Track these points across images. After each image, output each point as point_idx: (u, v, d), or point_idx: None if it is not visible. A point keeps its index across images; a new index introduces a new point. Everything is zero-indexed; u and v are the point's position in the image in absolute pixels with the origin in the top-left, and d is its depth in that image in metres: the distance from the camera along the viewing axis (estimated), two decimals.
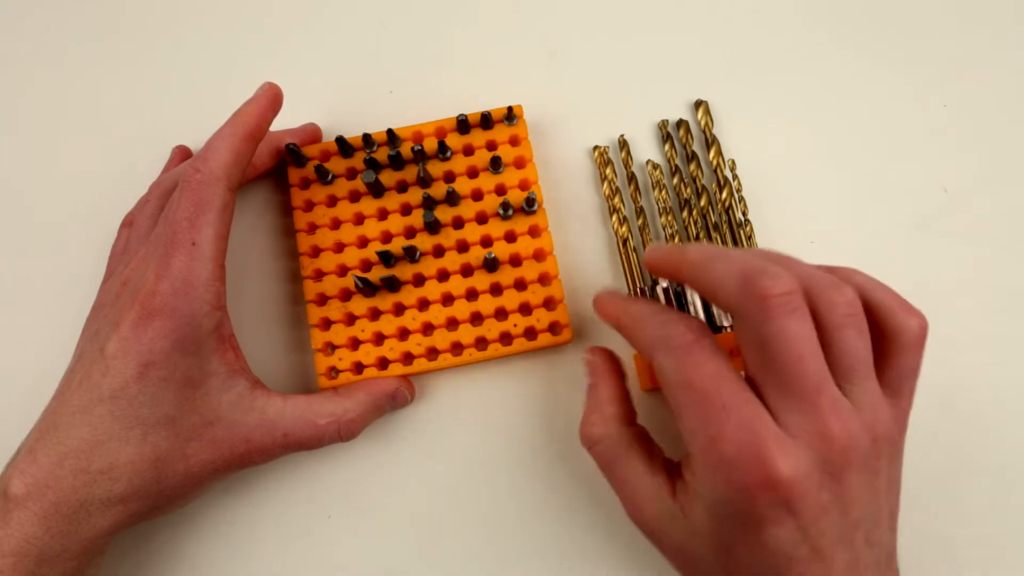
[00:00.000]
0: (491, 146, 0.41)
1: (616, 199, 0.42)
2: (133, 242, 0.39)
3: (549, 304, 0.39)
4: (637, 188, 0.42)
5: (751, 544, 0.27)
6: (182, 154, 0.43)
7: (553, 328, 0.39)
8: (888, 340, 0.29)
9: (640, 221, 0.42)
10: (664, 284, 0.39)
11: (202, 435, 0.34)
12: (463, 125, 0.41)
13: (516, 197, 0.40)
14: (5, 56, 0.47)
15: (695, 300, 0.39)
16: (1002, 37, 0.45)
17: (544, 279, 0.39)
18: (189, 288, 0.32)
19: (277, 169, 0.43)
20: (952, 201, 0.42)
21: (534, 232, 0.40)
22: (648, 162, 0.43)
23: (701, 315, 0.39)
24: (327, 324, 0.39)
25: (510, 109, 0.41)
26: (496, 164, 0.40)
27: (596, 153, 0.43)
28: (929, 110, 0.44)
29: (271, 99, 0.37)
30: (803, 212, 0.42)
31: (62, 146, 0.45)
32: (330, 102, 0.45)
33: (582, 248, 0.42)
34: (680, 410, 0.29)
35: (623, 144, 0.43)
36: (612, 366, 0.35)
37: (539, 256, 0.40)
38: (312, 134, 0.43)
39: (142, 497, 0.33)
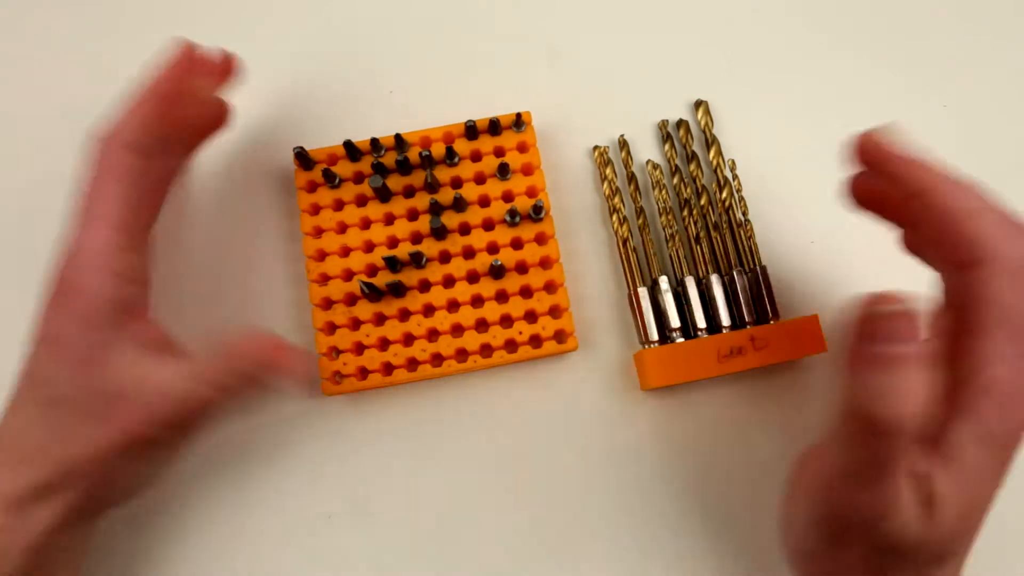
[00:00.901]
0: (499, 152, 0.40)
1: (616, 199, 0.40)
2: None
3: (555, 312, 0.38)
4: (637, 188, 0.41)
5: None
6: None
7: (558, 336, 0.38)
8: None
9: (640, 221, 0.40)
10: (665, 286, 0.38)
11: (104, 414, 0.30)
12: (471, 131, 0.39)
13: (523, 204, 0.39)
14: None
15: (695, 300, 0.38)
16: (1002, 37, 0.44)
17: (550, 287, 0.38)
18: (87, 259, 0.30)
19: (284, 172, 0.41)
20: None
21: (540, 239, 0.39)
22: (648, 162, 0.42)
23: (701, 315, 0.38)
24: (332, 328, 0.38)
25: (518, 115, 0.39)
26: (504, 170, 0.39)
27: (596, 153, 0.42)
28: (929, 110, 0.43)
29: (180, 56, 0.33)
30: (803, 212, 0.41)
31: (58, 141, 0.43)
32: (329, 100, 0.43)
33: (586, 253, 0.41)
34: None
35: (623, 144, 0.42)
36: None
37: (545, 263, 0.38)
38: (229, 68, 0.37)
39: (68, 485, 0.30)
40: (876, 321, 0.24)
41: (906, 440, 0.24)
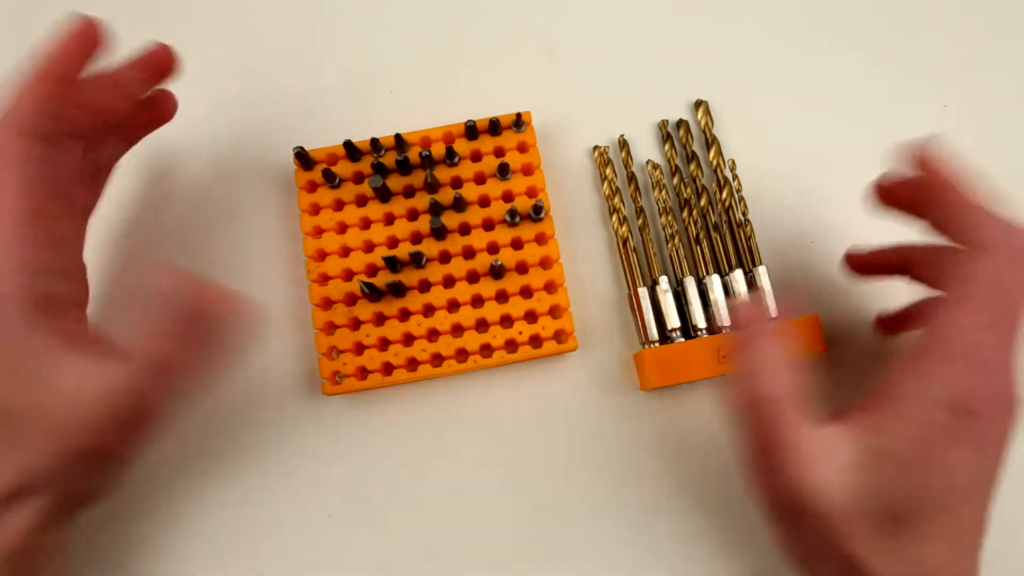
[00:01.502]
0: (499, 152, 0.39)
1: (616, 199, 0.40)
2: None
3: (555, 312, 0.37)
4: (637, 188, 0.41)
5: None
6: None
7: (558, 336, 0.37)
8: None
9: (640, 221, 0.40)
10: (665, 286, 0.38)
11: (45, 427, 0.28)
12: (471, 131, 0.39)
13: (523, 204, 0.38)
14: None
15: (694, 301, 0.38)
16: (1002, 37, 0.43)
17: (550, 287, 0.37)
18: None
19: (284, 172, 0.41)
20: None
21: (540, 239, 0.38)
22: (648, 162, 0.41)
23: (700, 316, 0.37)
24: (332, 328, 0.37)
25: (518, 115, 0.39)
26: (504, 170, 0.38)
27: (596, 153, 0.41)
28: (929, 110, 0.42)
29: (77, 34, 0.30)
30: (803, 212, 0.41)
31: None
32: (329, 100, 0.43)
33: (586, 253, 0.40)
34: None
35: (623, 144, 0.41)
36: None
37: (545, 263, 0.38)
38: (157, 58, 0.34)
39: (36, 490, 0.28)
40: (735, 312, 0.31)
41: (787, 407, 0.27)
